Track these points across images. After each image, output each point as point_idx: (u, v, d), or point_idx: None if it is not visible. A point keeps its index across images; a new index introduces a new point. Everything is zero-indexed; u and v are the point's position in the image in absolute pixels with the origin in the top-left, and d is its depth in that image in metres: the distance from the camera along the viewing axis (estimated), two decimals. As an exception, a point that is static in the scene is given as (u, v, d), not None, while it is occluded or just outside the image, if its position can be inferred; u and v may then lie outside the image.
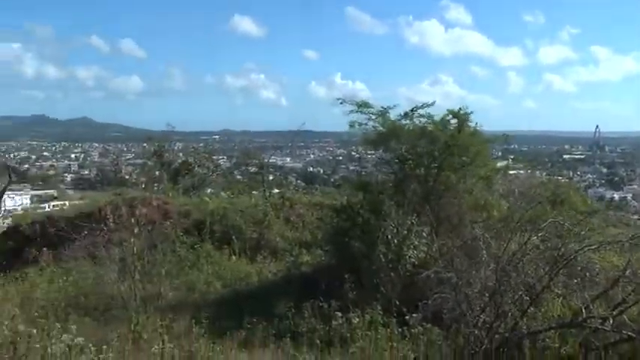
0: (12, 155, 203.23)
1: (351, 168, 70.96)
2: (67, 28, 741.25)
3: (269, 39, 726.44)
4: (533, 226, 10.79)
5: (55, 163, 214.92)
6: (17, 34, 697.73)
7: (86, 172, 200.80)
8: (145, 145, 38.58)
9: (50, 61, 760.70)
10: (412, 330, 9.70)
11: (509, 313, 9.01)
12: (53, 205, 40.90)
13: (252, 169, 33.78)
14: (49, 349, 7.62)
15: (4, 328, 8.99)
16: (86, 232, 16.24)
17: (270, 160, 37.29)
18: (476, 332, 8.88)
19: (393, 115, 15.70)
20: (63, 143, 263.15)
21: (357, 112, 15.73)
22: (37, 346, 7.92)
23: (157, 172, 32.21)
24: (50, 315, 11.57)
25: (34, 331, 8.54)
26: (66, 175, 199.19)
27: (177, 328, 11.33)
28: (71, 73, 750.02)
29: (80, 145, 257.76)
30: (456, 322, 9.42)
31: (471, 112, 15.38)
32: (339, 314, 10.72)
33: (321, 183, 70.66)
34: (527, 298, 9.04)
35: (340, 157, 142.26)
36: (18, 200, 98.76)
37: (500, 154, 19.11)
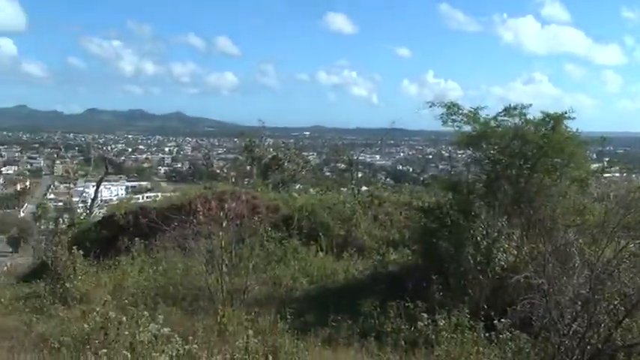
0: (110, 148, 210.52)
1: (441, 167, 70.17)
2: (165, 26, 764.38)
3: (362, 36, 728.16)
4: (630, 232, 10.32)
5: (149, 156, 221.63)
6: (118, 32, 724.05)
7: (179, 165, 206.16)
8: (236, 140, 39.24)
9: (148, 58, 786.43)
10: (500, 335, 9.44)
11: (603, 324, 8.56)
12: (147, 197, 42.10)
13: (342, 166, 33.77)
14: (137, 337, 7.73)
15: (95, 314, 9.22)
16: (176, 224, 16.49)
17: (360, 158, 37.21)
18: (566, 342, 8.50)
19: (483, 115, 15.29)
20: (158, 137, 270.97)
21: (447, 113, 15.38)
22: (127, 333, 8.06)
23: (248, 167, 32.60)
24: (140, 303, 11.82)
25: (124, 318, 8.71)
26: (160, 167, 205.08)
27: (263, 323, 11.37)
28: (168, 69, 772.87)
29: (174, 139, 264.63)
30: (546, 330, 9.07)
31: (569, 116, 14.78)
32: (425, 315, 10.53)
33: (410, 181, 70.11)
34: (623, 309, 8.58)
35: (430, 156, 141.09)
36: (114, 191, 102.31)
37: (594, 156, 18.30)
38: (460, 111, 15.24)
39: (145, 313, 8.91)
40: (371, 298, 12.20)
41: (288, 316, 11.43)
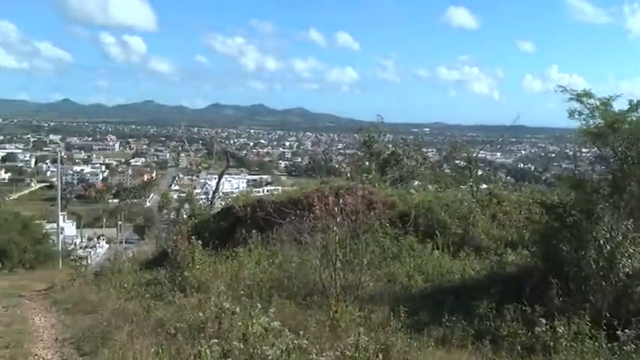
0: (232, 141, 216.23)
1: (564, 166, 67.62)
2: (287, 23, 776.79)
3: (484, 31, 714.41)
4: None
5: (270, 151, 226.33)
6: (242, 30, 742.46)
7: (299, 160, 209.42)
8: (355, 135, 39.24)
9: (270, 54, 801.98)
10: (623, 347, 8.93)
11: None
12: (265, 190, 42.83)
13: (461, 163, 33.03)
14: (249, 329, 7.79)
15: (211, 303, 9.39)
16: (292, 218, 16.61)
17: (480, 155, 36.31)
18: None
19: (616, 106, 14.46)
20: (279, 132, 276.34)
21: (576, 100, 14.63)
22: (240, 324, 8.14)
23: (366, 163, 32.51)
24: (255, 295, 11.97)
25: (237, 309, 8.82)
26: (280, 162, 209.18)
27: (375, 320, 11.27)
28: (289, 65, 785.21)
29: (294, 133, 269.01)
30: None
31: None
32: (543, 321, 10.10)
33: (531, 180, 67.98)
34: None
35: (552, 154, 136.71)
36: (235, 184, 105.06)
37: None
38: (591, 99, 14.47)
39: (258, 305, 8.99)
40: (487, 299, 11.80)
41: (402, 314, 11.26)
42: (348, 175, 30.35)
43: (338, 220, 12.85)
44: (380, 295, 13.54)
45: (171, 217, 32.84)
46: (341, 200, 14.66)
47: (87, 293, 14.81)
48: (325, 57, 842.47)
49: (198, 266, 14.67)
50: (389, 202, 20.55)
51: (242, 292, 11.69)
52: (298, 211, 16.55)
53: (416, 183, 30.21)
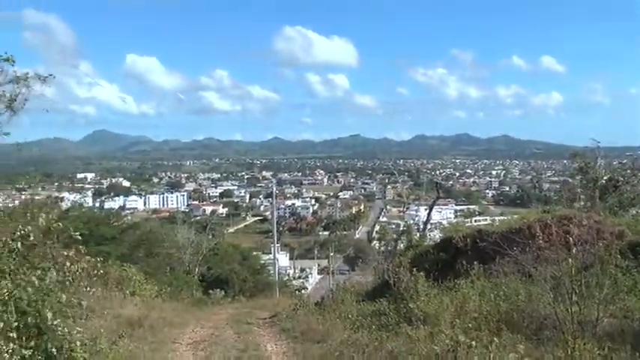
0: (438, 172, 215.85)
1: None
2: (488, 51, 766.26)
3: None
4: None
5: (477, 180, 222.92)
6: (443, 61, 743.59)
7: (506, 189, 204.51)
8: (565, 161, 37.73)
9: (472, 82, 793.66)
10: None
11: None
12: (475, 220, 42.12)
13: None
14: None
15: (444, 336, 9.24)
16: (515, 248, 16.08)
17: None
18: None
19: None
20: (484, 160, 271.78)
21: None
22: (476, 358, 7.94)
23: (581, 190, 31.04)
24: (483, 328, 11.64)
25: (473, 342, 8.60)
26: (487, 191, 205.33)
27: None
28: (492, 92, 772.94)
29: (500, 162, 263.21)
30: None
31: None
32: None
33: None
34: None
35: None
36: (443, 214, 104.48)
37: None
38: None
39: (495, 339, 8.73)
40: None
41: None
42: (566, 203, 29.06)
43: (571, 250, 12.24)
44: (617, 331, 12.66)
45: (388, 248, 33.13)
46: (569, 230, 13.99)
47: (312, 322, 15.20)
48: (528, 82, 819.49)
49: (422, 298, 14.57)
50: (617, 232, 19.29)
51: (469, 324, 11.42)
52: (520, 241, 16.01)
53: (638, 211, 28.23)
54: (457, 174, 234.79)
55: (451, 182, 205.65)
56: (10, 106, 14.25)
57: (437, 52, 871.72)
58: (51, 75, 14.77)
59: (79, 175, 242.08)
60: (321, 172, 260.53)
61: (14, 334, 7.46)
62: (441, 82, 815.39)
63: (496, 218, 30.60)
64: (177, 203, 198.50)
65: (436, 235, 29.34)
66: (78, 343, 8.15)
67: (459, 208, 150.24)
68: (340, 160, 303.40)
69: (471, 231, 21.50)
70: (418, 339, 11.24)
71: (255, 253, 63.04)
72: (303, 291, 47.96)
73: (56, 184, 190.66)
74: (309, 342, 13.42)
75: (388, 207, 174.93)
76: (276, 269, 51.27)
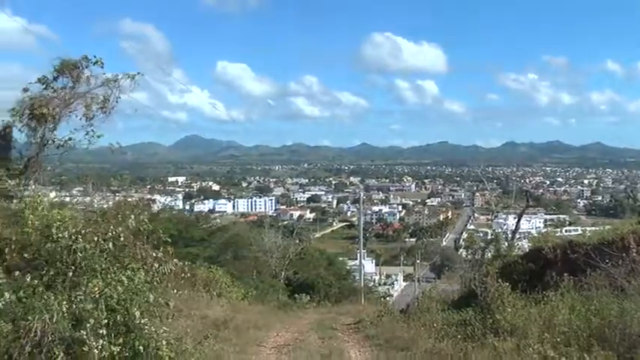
0: (527, 180, 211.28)
1: None
2: (581, 56, 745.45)
3: None
4: None
5: (568, 189, 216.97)
6: (534, 66, 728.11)
7: (599, 198, 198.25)
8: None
9: (564, 88, 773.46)
10: None
11: None
12: (566, 230, 40.94)
13: None
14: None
15: (531, 350, 9.04)
16: (607, 261, 15.55)
17: None
18: None
19: None
20: (576, 169, 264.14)
21: None
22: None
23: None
24: (572, 343, 11.30)
25: (563, 358, 8.39)
26: (578, 200, 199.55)
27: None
28: (584, 99, 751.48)
29: (593, 170, 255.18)
30: None
31: None
32: None
33: None
34: None
35: None
36: (532, 223, 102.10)
37: None
38: None
39: (585, 355, 8.49)
40: None
41: None
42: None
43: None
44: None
45: (476, 256, 32.55)
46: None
47: (397, 330, 15.12)
48: (623, 88, 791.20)
49: (509, 309, 14.25)
50: None
51: (558, 339, 11.12)
52: (613, 254, 15.49)
53: None
54: (547, 182, 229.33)
55: (541, 191, 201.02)
56: (103, 107, 14.82)
57: (527, 57, 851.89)
58: (139, 73, 15.32)
59: (171, 179, 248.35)
60: (409, 178, 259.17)
61: (104, 331, 7.74)
62: (532, 87, 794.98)
63: (587, 229, 29.46)
64: (265, 207, 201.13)
65: (525, 245, 28.60)
66: (164, 342, 8.36)
67: (548, 217, 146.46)
68: (428, 167, 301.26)
69: (562, 242, 20.90)
70: (505, 351, 11.03)
71: (341, 258, 63.17)
72: (388, 298, 47.75)
73: (148, 186, 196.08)
74: (393, 349, 13.35)
75: (476, 215, 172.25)
76: (362, 275, 51.17)
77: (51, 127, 14.33)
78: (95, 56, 14.92)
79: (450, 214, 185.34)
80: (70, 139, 14.63)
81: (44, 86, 14.67)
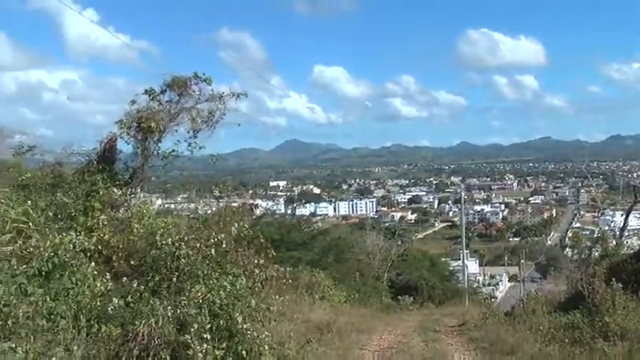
0: (636, 175, 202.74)
1: None
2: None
3: None
4: None
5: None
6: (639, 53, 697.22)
7: None
8: None
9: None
10: None
11: None
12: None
13: None
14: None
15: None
16: None
17: None
18: None
19: None
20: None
21: None
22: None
23: None
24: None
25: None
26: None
27: None
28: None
29: None
30: None
31: None
32: None
33: None
34: None
35: None
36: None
37: None
38: None
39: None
40: None
41: None
42: None
43: None
44: None
45: (582, 256, 31.47)
46: None
47: (502, 333, 14.78)
48: None
49: (619, 311, 13.69)
50: None
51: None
52: None
53: None
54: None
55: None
56: (208, 121, 15.21)
57: (631, 45, 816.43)
58: (244, 93, 15.70)
59: (272, 183, 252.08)
60: (511, 176, 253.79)
61: (208, 336, 7.93)
62: (637, 77, 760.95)
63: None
64: (366, 209, 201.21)
65: (634, 243, 27.53)
66: (266, 347, 8.49)
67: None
68: (530, 164, 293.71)
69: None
70: (615, 356, 10.63)
71: (443, 259, 62.59)
72: (492, 299, 46.86)
73: (251, 191, 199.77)
74: (497, 353, 13.06)
75: (581, 212, 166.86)
76: (465, 276, 50.55)
77: (156, 139, 14.76)
78: (204, 73, 15.31)
79: (554, 211, 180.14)
80: (173, 150, 15.04)
81: (150, 98, 15.13)
